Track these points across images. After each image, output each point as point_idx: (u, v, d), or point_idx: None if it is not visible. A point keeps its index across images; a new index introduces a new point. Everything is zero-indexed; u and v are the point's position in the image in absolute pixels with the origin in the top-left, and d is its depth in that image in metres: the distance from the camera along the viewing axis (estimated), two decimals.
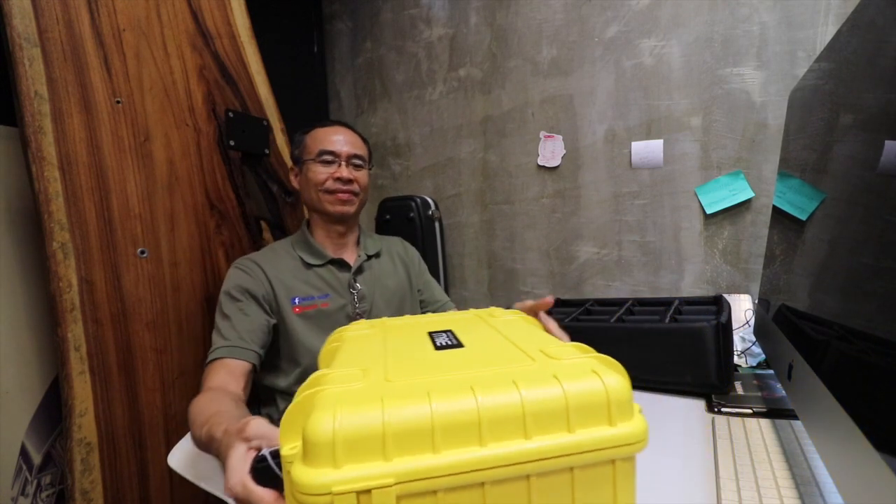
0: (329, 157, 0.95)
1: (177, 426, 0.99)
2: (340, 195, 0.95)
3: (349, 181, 0.95)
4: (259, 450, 0.46)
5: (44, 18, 0.82)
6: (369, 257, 1.04)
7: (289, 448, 0.32)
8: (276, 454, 0.43)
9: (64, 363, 0.83)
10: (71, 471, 0.83)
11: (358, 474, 0.28)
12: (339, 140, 0.96)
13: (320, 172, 0.94)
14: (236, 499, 0.45)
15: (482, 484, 0.30)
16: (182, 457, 0.74)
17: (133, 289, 0.93)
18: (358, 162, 0.97)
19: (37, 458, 0.92)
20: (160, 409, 0.97)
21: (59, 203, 0.83)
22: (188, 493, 0.99)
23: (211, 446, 0.59)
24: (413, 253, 1.16)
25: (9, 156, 0.89)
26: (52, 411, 0.93)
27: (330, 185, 0.94)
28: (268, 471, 0.43)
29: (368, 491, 0.27)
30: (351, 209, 0.97)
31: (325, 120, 1.13)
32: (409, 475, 0.28)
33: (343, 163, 0.95)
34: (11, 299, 0.90)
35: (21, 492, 0.90)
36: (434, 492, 0.29)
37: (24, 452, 0.90)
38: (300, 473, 0.28)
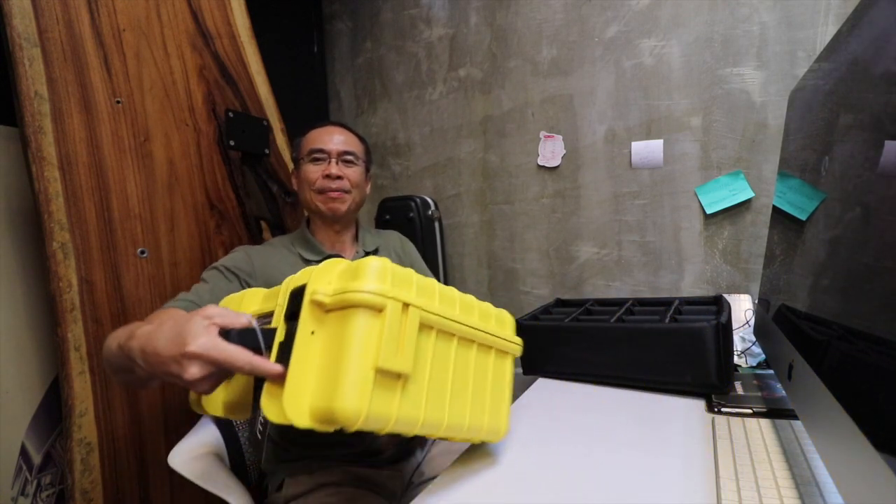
0: (319, 155, 0.95)
1: (177, 426, 0.99)
2: (331, 194, 0.95)
3: (338, 178, 0.95)
4: (224, 327, 0.44)
5: (44, 18, 0.82)
6: (367, 253, 1.04)
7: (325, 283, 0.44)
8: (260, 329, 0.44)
9: (64, 363, 0.83)
10: (71, 471, 0.83)
11: (403, 293, 0.43)
12: (329, 138, 0.97)
13: (311, 171, 0.95)
14: (198, 358, 0.41)
15: (454, 336, 0.51)
16: (182, 457, 0.74)
17: (133, 289, 0.93)
18: (349, 158, 0.97)
19: (37, 458, 0.92)
20: (160, 409, 0.97)
21: (59, 203, 0.83)
22: (188, 493, 0.99)
23: (132, 343, 0.49)
24: (410, 248, 1.16)
25: (9, 156, 0.89)
26: (52, 411, 0.93)
27: (321, 183, 0.95)
28: (249, 337, 0.42)
29: (408, 305, 0.43)
30: (342, 207, 0.97)
31: (321, 121, 1.14)
32: (426, 308, 0.46)
33: (333, 160, 0.95)
34: (11, 299, 0.90)
35: (21, 492, 0.90)
36: (431, 328, 0.47)
37: (24, 452, 0.90)
38: (354, 284, 0.41)
